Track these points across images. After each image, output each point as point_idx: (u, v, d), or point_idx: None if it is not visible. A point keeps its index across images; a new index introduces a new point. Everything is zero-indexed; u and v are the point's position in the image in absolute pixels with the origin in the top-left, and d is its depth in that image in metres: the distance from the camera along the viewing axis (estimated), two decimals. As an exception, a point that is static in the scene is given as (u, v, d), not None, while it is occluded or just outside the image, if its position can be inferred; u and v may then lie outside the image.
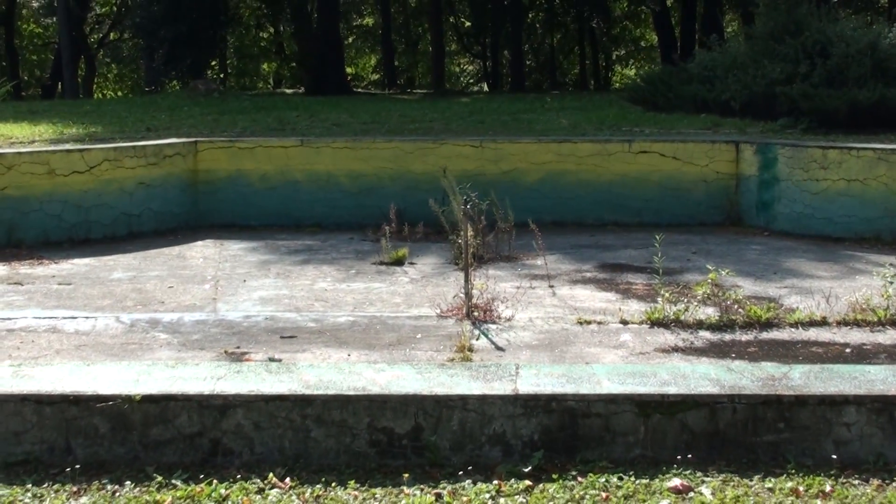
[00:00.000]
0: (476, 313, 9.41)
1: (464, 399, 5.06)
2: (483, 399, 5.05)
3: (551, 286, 10.76)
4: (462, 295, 9.72)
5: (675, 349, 8.52)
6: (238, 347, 8.62)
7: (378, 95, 35.05)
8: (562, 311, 9.76)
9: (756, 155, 13.69)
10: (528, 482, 5.30)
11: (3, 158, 12.80)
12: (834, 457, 6.24)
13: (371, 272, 11.49)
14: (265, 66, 56.64)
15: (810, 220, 13.09)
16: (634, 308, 9.78)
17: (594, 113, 20.53)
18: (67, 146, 14.18)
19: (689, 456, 5.63)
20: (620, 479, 5.28)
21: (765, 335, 8.94)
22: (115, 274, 11.39)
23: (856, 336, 8.91)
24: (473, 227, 9.63)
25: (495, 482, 5.38)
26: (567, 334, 8.95)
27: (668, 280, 10.99)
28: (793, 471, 6.05)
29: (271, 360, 8.26)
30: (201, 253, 12.52)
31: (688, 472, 5.44)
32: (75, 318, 9.54)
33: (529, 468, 5.31)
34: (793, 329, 9.09)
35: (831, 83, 17.35)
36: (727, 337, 8.89)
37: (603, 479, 5.27)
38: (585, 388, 5.17)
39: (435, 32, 45.09)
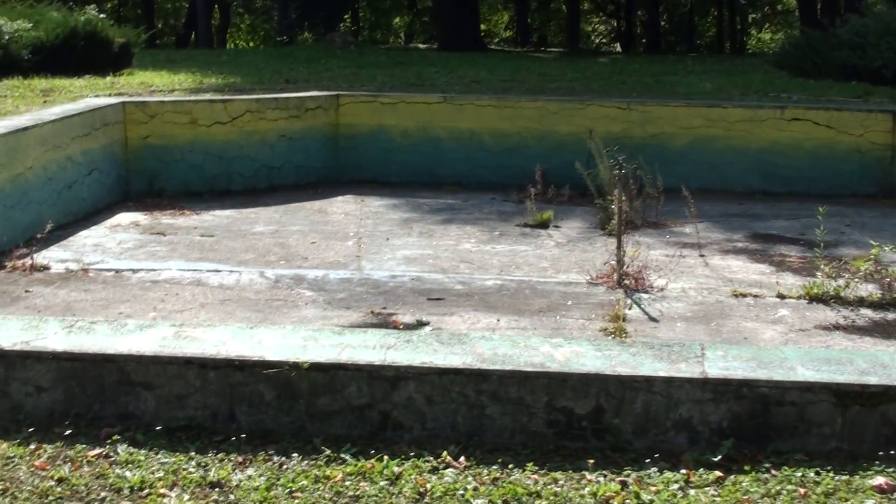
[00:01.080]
0: (627, 281, 9.15)
1: (649, 381, 4.76)
2: (670, 381, 4.74)
3: (702, 255, 10.44)
4: (612, 262, 9.46)
5: (837, 327, 8.19)
6: (384, 308, 8.48)
7: (513, 53, 34.70)
8: (715, 282, 9.45)
9: (916, 125, 13.17)
10: (718, 473, 4.97)
11: (146, 107, 12.78)
12: None
13: (515, 234, 11.26)
14: (397, 19, 56.45)
15: (970, 194, 12.56)
16: (790, 282, 9.43)
17: (738, 77, 20.00)
18: (209, 96, 14.12)
19: (893, 452, 5.23)
20: (818, 473, 4.94)
21: (935, 316, 8.54)
22: (258, 227, 11.31)
23: None
24: (625, 191, 9.33)
25: (683, 471, 5.05)
26: (722, 307, 8.65)
27: (822, 254, 10.61)
28: None
29: (420, 322, 8.10)
30: (342, 209, 12.39)
31: (891, 469, 5.10)
32: (219, 271, 9.47)
33: (719, 457, 4.99)
34: (968, 309, 8.67)
35: None
36: (890, 316, 8.53)
37: (799, 474, 4.92)
38: (779, 374, 4.86)
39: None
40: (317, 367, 4.93)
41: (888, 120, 13.33)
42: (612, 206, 11.41)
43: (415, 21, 54.34)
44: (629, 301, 8.71)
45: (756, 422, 4.82)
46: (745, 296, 8.95)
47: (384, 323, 8.10)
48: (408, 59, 23.63)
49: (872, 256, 9.07)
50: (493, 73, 19.80)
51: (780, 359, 5.10)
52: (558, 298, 8.79)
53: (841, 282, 8.94)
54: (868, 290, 8.99)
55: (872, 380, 4.87)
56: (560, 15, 54.66)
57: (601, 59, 27.76)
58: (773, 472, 5.05)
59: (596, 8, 57.35)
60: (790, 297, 8.89)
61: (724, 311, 8.53)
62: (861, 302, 8.76)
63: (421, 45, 39.54)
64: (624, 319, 8.19)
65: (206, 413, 5.26)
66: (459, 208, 12.54)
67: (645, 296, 8.88)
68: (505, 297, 8.80)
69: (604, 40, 59.64)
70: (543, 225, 11.57)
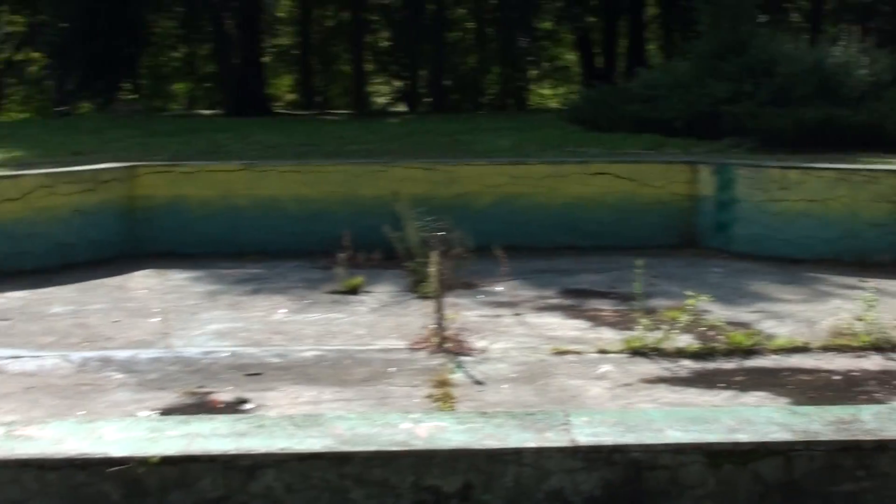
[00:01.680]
0: (448, 345, 8.97)
1: (518, 452, 4.51)
2: (539, 452, 4.51)
3: (517, 314, 10.35)
4: (430, 325, 9.29)
5: (660, 380, 8.17)
6: (201, 386, 8.12)
7: (300, 116, 34.49)
8: (534, 340, 9.36)
9: (713, 175, 13.38)
10: (595, 547, 4.76)
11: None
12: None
13: (326, 302, 11.00)
14: (178, 85, 55.67)
15: (769, 241, 12.80)
16: (608, 336, 9.41)
17: (533, 133, 20.25)
18: (-4, 172, 13.51)
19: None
20: None
21: (748, 363, 8.63)
22: (55, 308, 10.79)
23: (841, 362, 8.63)
24: (443, 253, 9.17)
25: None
26: (545, 366, 8.55)
27: (634, 306, 10.64)
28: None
29: (240, 400, 7.78)
30: (143, 283, 11.94)
31: (768, 529, 4.97)
32: (20, 357, 8.96)
33: None
34: (776, 356, 8.79)
35: (776, 102, 17.17)
36: (710, 365, 8.56)
37: None
38: (649, 438, 4.69)
39: (355, 52, 44.57)
40: (167, 461, 4.52)
41: (688, 171, 13.55)
42: (423, 269, 11.29)
43: (196, 87, 53.65)
44: (452, 365, 8.53)
45: (630, 488, 4.65)
46: (566, 353, 8.87)
47: (202, 403, 7.75)
48: (197, 126, 23.22)
49: (690, 307, 9.07)
50: (289, 138, 19.60)
51: (645, 421, 4.95)
52: (380, 366, 8.56)
53: (659, 334, 8.92)
54: (685, 340, 9.02)
55: (743, 437, 4.75)
56: (343, 77, 54.70)
57: (391, 120, 27.77)
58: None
59: (380, 69, 57.51)
60: (611, 352, 8.85)
61: (546, 370, 8.42)
62: (681, 353, 8.79)
63: (206, 112, 38.94)
64: (449, 384, 7.99)
65: (48, 521, 4.79)
66: (265, 278, 12.21)
67: (467, 358, 8.72)
68: (325, 368, 8.53)
69: (388, 101, 59.84)
70: (354, 291, 11.34)
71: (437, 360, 8.67)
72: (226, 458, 4.25)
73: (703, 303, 10.33)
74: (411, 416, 4.45)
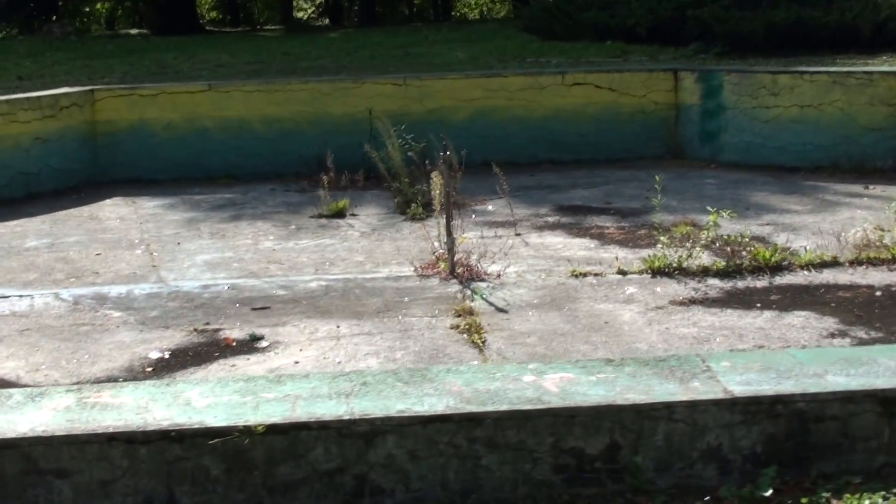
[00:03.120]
0: (459, 270, 8.52)
1: (669, 407, 3.97)
2: (693, 406, 3.98)
3: (518, 234, 9.93)
4: (435, 250, 8.87)
5: (692, 301, 7.79)
6: (207, 324, 7.64)
7: (234, 33, 33.53)
8: (546, 262, 8.94)
9: (698, 83, 12.94)
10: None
11: None
12: None
13: (313, 227, 10.50)
14: (98, 6, 54.03)
15: (761, 149, 12.42)
16: (621, 255, 9.03)
17: (487, 44, 19.66)
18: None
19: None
20: (885, 498, 4.28)
21: (779, 280, 8.26)
22: (30, 241, 10.21)
23: (876, 277, 8.29)
24: (448, 171, 8.69)
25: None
26: (567, 289, 8.13)
27: (636, 222, 10.28)
28: None
29: (253, 337, 7.29)
30: (115, 213, 11.35)
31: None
32: (6, 296, 8.40)
33: (770, 492, 4.21)
34: (805, 272, 8.41)
35: (741, 5, 16.72)
36: (740, 284, 8.19)
37: (867, 502, 4.26)
38: (812, 385, 4.18)
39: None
40: (273, 430, 3.84)
41: (670, 79, 13.11)
42: (410, 190, 10.83)
43: (117, 7, 52.08)
44: (468, 292, 8.09)
45: (794, 442, 4.16)
46: (585, 275, 8.46)
47: (213, 342, 7.27)
48: (136, 47, 22.36)
49: (712, 222, 8.67)
50: (235, 56, 18.90)
51: (795, 364, 4.46)
52: (392, 295, 8.11)
53: (683, 252, 8.52)
54: (707, 258, 8.65)
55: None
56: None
57: (331, 35, 26.97)
58: (835, 501, 4.33)
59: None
60: (632, 273, 8.46)
61: (569, 294, 8.02)
62: (706, 272, 8.40)
63: (132, 31, 37.66)
64: (471, 313, 7.56)
65: (138, 500, 4.14)
66: (242, 203, 11.67)
67: (482, 284, 8.29)
68: (335, 300, 8.06)
69: (312, 15, 58.57)
70: (340, 214, 10.84)
71: (452, 288, 8.24)
72: (339, 423, 3.63)
73: (705, 216, 9.98)
74: (529, 366, 3.89)
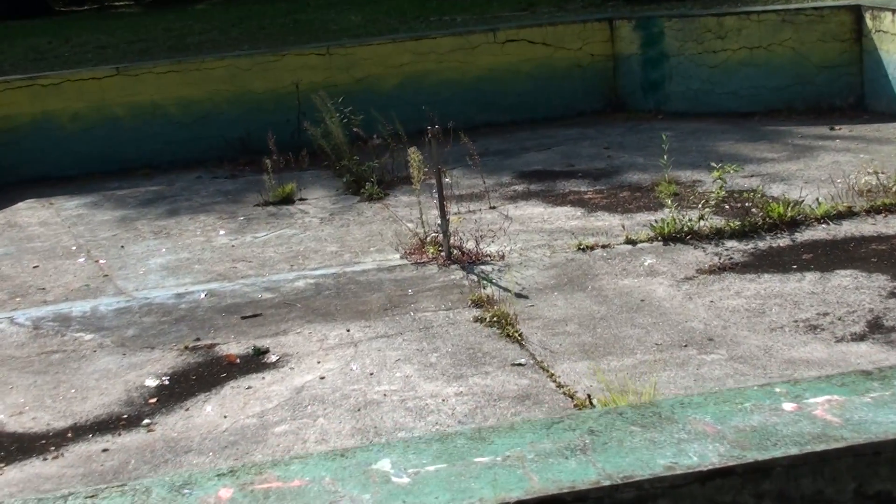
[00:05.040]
0: (454, 252, 7.78)
1: None
2: None
3: (493, 207, 9.19)
4: (413, 233, 8.17)
5: (719, 268, 7.22)
6: (198, 339, 6.81)
7: (88, 13, 31.95)
8: (539, 236, 8.27)
9: (636, 31, 12.28)
10: None
11: None
12: None
13: (263, 216, 9.65)
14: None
15: (710, 96, 11.82)
16: (616, 222, 8.43)
17: (378, 5, 18.77)
18: None
19: None
20: None
21: (800, 237, 7.71)
22: (-52, 258, 9.17)
23: (900, 224, 7.76)
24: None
25: None
26: (579, 265, 7.48)
27: (611, 184, 9.65)
28: None
29: (258, 351, 6.48)
30: (35, 217, 10.33)
31: None
32: (-50, 326, 7.41)
33: None
34: (824, 225, 7.88)
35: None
36: (761, 244, 7.62)
37: None
38: None
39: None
40: None
41: (605, 29, 12.45)
42: (361, 168, 10.05)
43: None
44: (474, 277, 7.38)
45: None
46: (592, 248, 7.82)
47: (213, 361, 6.45)
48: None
49: (718, 178, 8.03)
50: (115, 36, 17.73)
51: None
52: (393, 288, 7.35)
53: (693, 215, 7.91)
54: (714, 218, 8.05)
55: None
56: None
57: (200, 7, 25.71)
58: None
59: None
60: (641, 241, 7.86)
61: (585, 271, 7.36)
62: (720, 234, 7.83)
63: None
64: (489, 302, 6.84)
65: None
66: (172, 195, 10.73)
67: (486, 268, 7.60)
68: (332, 299, 7.27)
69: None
70: (288, 200, 10.01)
71: (454, 274, 7.52)
72: (599, 492, 2.70)
73: (682, 171, 9.45)
74: (777, 388, 3.12)
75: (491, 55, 12.34)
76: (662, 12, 12.89)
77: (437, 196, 7.74)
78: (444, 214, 7.67)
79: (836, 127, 10.74)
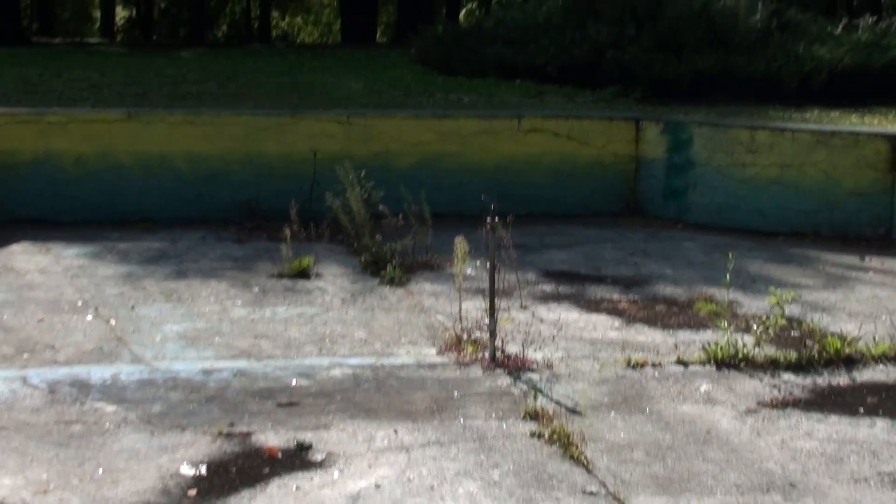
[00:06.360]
0: (498, 355, 7.39)
1: None
2: None
3: (524, 307, 8.79)
4: (447, 324, 7.82)
5: (783, 403, 6.87)
6: (232, 424, 6.32)
7: (66, 46, 31.47)
8: (581, 345, 7.91)
9: (663, 135, 11.99)
10: None
11: None
12: None
13: (279, 289, 9.22)
14: None
15: (735, 211, 11.52)
16: (659, 339, 8.16)
17: (379, 75, 18.47)
18: None
19: None
20: None
21: (859, 376, 7.42)
22: (-57, 299, 8.65)
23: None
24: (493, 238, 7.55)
25: None
26: (632, 384, 7.11)
27: (644, 294, 9.32)
28: None
29: (301, 446, 6.02)
30: (33, 263, 9.81)
31: None
32: (-45, 379, 6.89)
33: None
34: (883, 366, 7.57)
35: (662, 48, 15.94)
36: (819, 381, 7.30)
37: None
38: None
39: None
40: None
41: (631, 129, 12.16)
42: (383, 248, 9.71)
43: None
44: (523, 386, 6.97)
45: None
46: (642, 365, 7.47)
47: (251, 451, 5.98)
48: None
49: (776, 306, 7.72)
50: (107, 76, 17.27)
51: None
52: (437, 389, 6.93)
53: (749, 339, 7.58)
54: (770, 348, 7.71)
55: None
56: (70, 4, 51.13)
57: (185, 54, 25.29)
58: None
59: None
60: (693, 363, 7.49)
61: (638, 391, 7.00)
62: (775, 364, 7.49)
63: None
64: (544, 416, 6.45)
65: None
66: (177, 254, 10.27)
67: (533, 375, 7.20)
68: (372, 394, 6.84)
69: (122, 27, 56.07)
70: (304, 274, 9.59)
71: (501, 380, 7.13)
72: None
73: (711, 288, 9.17)
74: None
75: (513, 143, 12.05)
76: (692, 118, 12.62)
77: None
78: (493, 313, 7.28)
79: (867, 258, 10.48)
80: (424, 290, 9.21)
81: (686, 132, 11.81)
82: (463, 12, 39.38)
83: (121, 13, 56.33)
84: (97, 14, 54.13)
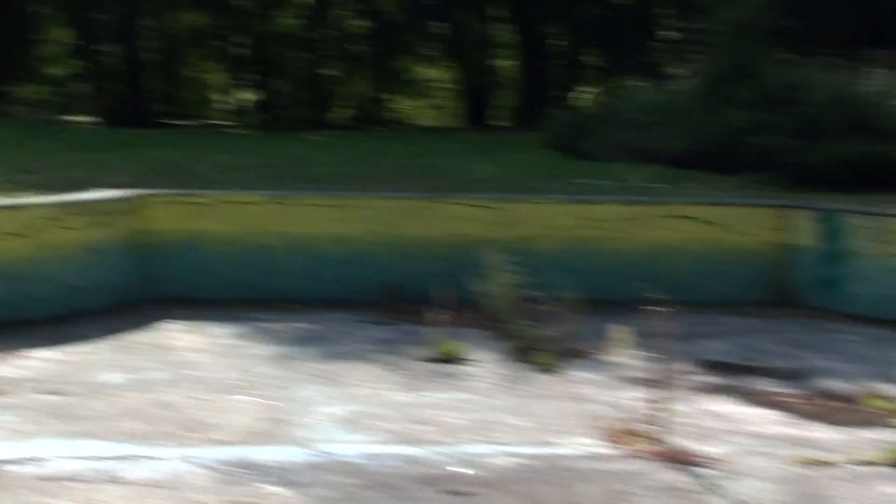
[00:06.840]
0: (667, 448, 7.16)
1: None
2: None
3: (686, 398, 8.53)
4: (609, 413, 7.59)
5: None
6: (410, 514, 6.13)
7: (193, 129, 31.90)
8: (749, 441, 7.65)
9: (818, 223, 11.69)
10: None
11: None
12: None
13: (428, 373, 9.13)
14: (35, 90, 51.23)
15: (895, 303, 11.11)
16: (830, 436, 7.82)
17: (507, 158, 18.44)
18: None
19: None
20: None
21: None
22: (104, 376, 8.69)
23: None
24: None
25: None
26: (811, 484, 6.83)
27: (809, 389, 9.03)
28: None
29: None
30: (185, 342, 9.83)
31: None
32: (136, 457, 6.82)
33: None
34: None
35: (801, 134, 15.66)
36: None
37: None
38: None
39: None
40: None
41: (780, 216, 11.90)
42: (531, 333, 9.55)
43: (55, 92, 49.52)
44: (698, 483, 6.72)
45: None
46: (819, 463, 7.16)
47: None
48: (122, 140, 20.68)
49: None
50: (241, 158, 17.42)
51: None
52: (606, 482, 6.73)
53: (932, 442, 7.26)
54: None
55: None
56: (197, 86, 51.70)
57: (311, 138, 25.50)
58: None
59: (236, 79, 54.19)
60: (875, 464, 7.16)
61: (818, 492, 6.71)
62: (959, 469, 7.09)
63: (80, 119, 35.40)
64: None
65: None
66: (323, 336, 10.25)
67: (707, 472, 6.95)
68: (542, 486, 6.66)
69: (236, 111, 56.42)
70: (452, 359, 9.43)
71: (672, 474, 6.87)
72: None
73: (880, 384, 8.83)
74: None
75: (658, 229, 11.86)
76: (846, 205, 12.31)
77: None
78: (661, 404, 7.06)
79: None
80: (579, 377, 9.03)
81: (840, 220, 11.51)
82: (584, 96, 39.21)
83: (241, 95, 57.14)
84: (213, 96, 54.85)
